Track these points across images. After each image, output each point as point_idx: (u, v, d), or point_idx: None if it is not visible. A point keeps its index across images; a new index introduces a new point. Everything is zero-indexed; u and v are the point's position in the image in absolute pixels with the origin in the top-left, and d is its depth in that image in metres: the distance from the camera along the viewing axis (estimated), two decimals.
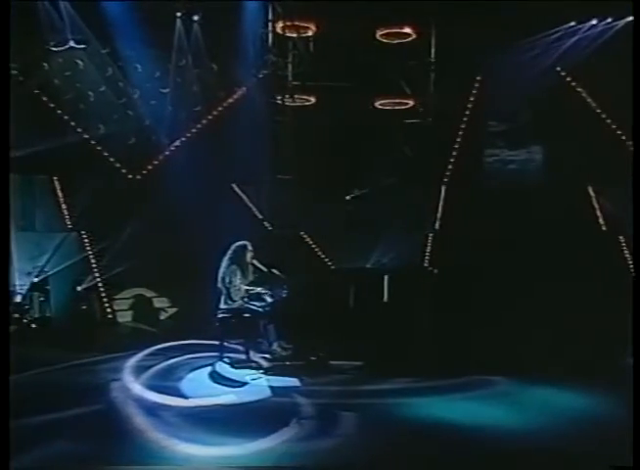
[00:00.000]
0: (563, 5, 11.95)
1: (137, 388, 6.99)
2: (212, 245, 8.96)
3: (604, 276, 10.75)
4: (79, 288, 10.65)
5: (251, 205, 13.20)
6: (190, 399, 6.62)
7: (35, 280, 10.08)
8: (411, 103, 13.57)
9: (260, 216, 13.16)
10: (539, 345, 8.46)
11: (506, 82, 13.07)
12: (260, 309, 7.99)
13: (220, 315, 7.92)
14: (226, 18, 12.74)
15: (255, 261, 8.14)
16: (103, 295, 10.93)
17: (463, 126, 14.18)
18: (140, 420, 6.01)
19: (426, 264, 12.50)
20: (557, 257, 11.24)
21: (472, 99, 14.13)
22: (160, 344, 8.92)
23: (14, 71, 11.83)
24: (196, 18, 12.98)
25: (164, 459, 5.13)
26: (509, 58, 12.88)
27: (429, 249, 12.85)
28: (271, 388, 7.04)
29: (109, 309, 10.95)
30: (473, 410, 6.43)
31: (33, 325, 9.72)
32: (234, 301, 7.93)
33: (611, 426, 5.82)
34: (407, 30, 12.90)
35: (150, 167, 12.93)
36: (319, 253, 12.80)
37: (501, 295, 9.85)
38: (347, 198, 13.57)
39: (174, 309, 11.36)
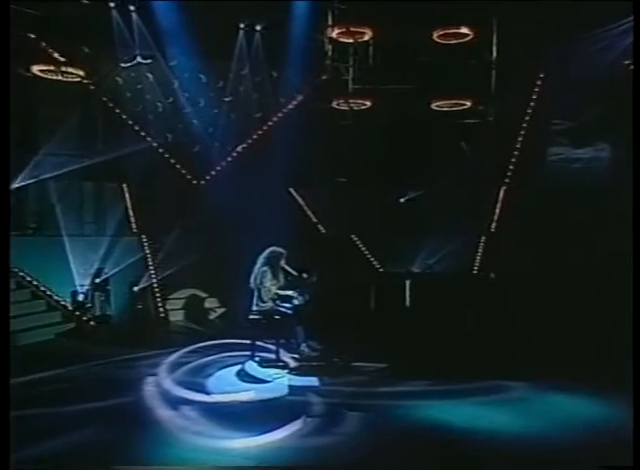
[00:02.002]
0: None
1: (168, 383, 7.54)
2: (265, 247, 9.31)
3: None
4: (136, 288, 11.44)
5: (306, 208, 13.66)
6: (212, 396, 7.08)
7: (97, 281, 10.93)
8: (468, 104, 13.46)
9: (315, 220, 13.60)
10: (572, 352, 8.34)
11: (571, 78, 12.74)
12: (290, 311, 8.36)
13: (251, 316, 8.34)
14: (285, 26, 13.24)
15: (286, 266, 8.52)
16: (157, 295, 11.67)
17: (525, 125, 13.95)
18: (162, 412, 6.54)
19: (475, 268, 12.43)
20: (621, 262, 10.82)
21: (534, 97, 13.87)
22: (205, 342, 9.48)
23: (91, 87, 12.81)
24: (258, 27, 13.57)
25: (175, 448, 5.59)
26: (573, 52, 12.51)
27: (480, 252, 12.78)
28: (290, 386, 7.39)
29: (162, 309, 11.68)
30: (481, 415, 6.49)
31: (92, 323, 10.55)
32: (265, 302, 8.33)
33: (620, 432, 5.76)
34: (464, 30, 12.74)
35: (213, 173, 13.64)
36: (368, 255, 13.03)
37: (544, 302, 9.72)
38: (402, 200, 13.74)
39: (223, 309, 11.93)
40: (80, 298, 10.66)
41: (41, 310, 10.29)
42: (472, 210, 13.09)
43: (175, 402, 6.82)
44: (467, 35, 12.80)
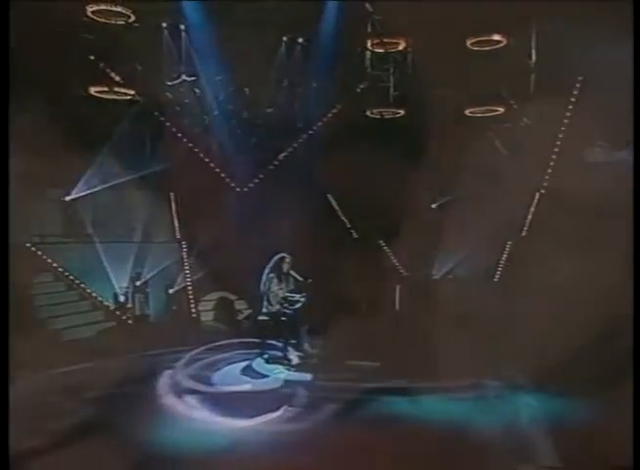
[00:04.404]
0: None
1: (180, 376, 8.47)
2: (300, 251, 9.96)
3: None
4: (171, 290, 12.48)
5: (340, 214, 14.25)
6: (215, 387, 8.00)
7: (138, 283, 12.01)
8: (501, 110, 13.59)
9: (349, 225, 14.16)
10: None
11: (610, 79, 12.69)
12: (295, 313, 9.07)
13: (260, 318, 9.12)
14: (324, 37, 13.88)
15: (293, 272, 9.24)
16: (191, 297, 12.65)
17: (563, 128, 13.94)
18: (169, 399, 7.57)
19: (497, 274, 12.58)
20: None
21: (572, 100, 13.84)
22: (226, 340, 10.29)
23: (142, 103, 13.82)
24: (300, 40, 14.28)
25: (174, 428, 6.56)
26: (612, 51, 12.45)
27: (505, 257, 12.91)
28: (285, 381, 8.19)
29: (194, 310, 12.62)
30: (453, 410, 7.06)
31: (130, 321, 11.63)
32: (272, 305, 9.11)
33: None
34: (497, 37, 12.91)
35: (256, 181, 14.46)
36: (394, 260, 13.43)
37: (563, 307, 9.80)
38: (433, 206, 14.04)
39: (250, 311, 12.64)
40: (122, 299, 11.77)
41: (86, 310, 11.45)
42: (505, 215, 13.21)
43: (181, 392, 7.78)
44: (500, 42, 12.95)
